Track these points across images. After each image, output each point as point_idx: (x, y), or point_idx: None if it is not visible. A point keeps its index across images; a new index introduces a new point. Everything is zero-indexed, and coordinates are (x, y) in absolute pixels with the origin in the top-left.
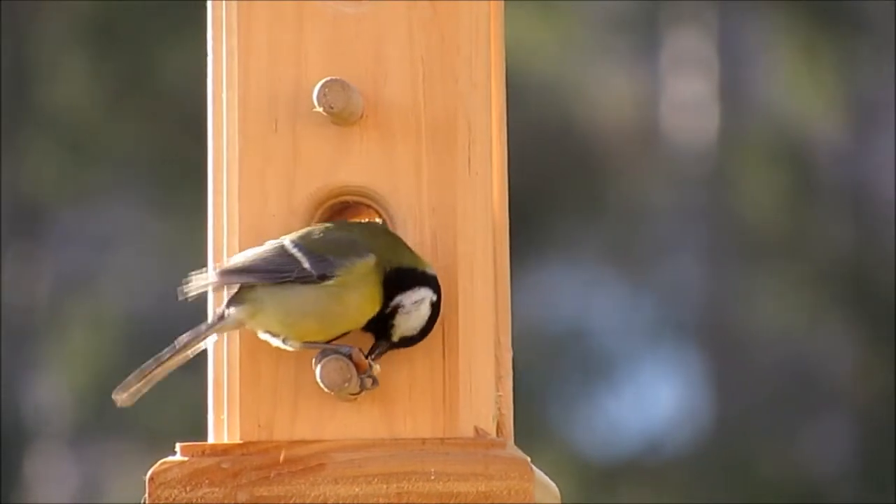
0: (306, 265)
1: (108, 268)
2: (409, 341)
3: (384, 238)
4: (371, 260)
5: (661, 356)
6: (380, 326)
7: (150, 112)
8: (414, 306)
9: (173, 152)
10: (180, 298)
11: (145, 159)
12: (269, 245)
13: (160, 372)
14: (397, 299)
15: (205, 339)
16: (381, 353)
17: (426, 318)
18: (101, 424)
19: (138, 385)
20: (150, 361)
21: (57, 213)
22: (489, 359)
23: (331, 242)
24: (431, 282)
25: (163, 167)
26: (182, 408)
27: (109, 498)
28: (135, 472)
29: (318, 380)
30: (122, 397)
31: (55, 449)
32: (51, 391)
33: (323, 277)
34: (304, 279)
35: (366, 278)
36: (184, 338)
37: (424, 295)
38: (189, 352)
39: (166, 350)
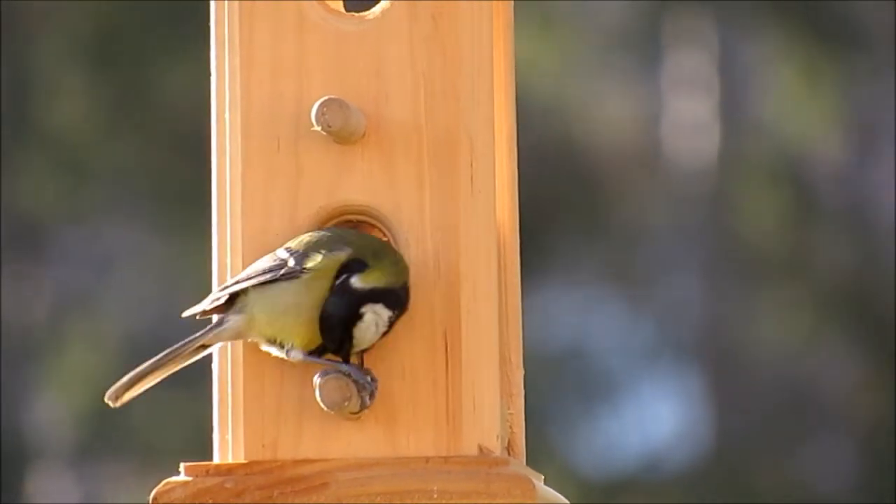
0: (291, 263)
1: (107, 287)
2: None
3: (376, 245)
4: (342, 254)
5: (661, 375)
6: (343, 339)
7: (149, 131)
8: (374, 318)
9: (172, 171)
10: (184, 316)
11: (144, 178)
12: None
13: (155, 376)
14: (365, 308)
15: (203, 346)
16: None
17: (381, 333)
18: (101, 443)
19: (131, 388)
20: (146, 364)
21: (56, 232)
22: (494, 376)
23: (316, 238)
24: (392, 296)
25: (161, 186)
26: (181, 426)
27: None
28: (135, 491)
29: (318, 399)
30: (113, 400)
31: (56, 468)
32: (51, 410)
33: (303, 271)
34: (289, 276)
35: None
36: (180, 345)
37: (381, 312)
38: (187, 361)
39: (164, 353)
